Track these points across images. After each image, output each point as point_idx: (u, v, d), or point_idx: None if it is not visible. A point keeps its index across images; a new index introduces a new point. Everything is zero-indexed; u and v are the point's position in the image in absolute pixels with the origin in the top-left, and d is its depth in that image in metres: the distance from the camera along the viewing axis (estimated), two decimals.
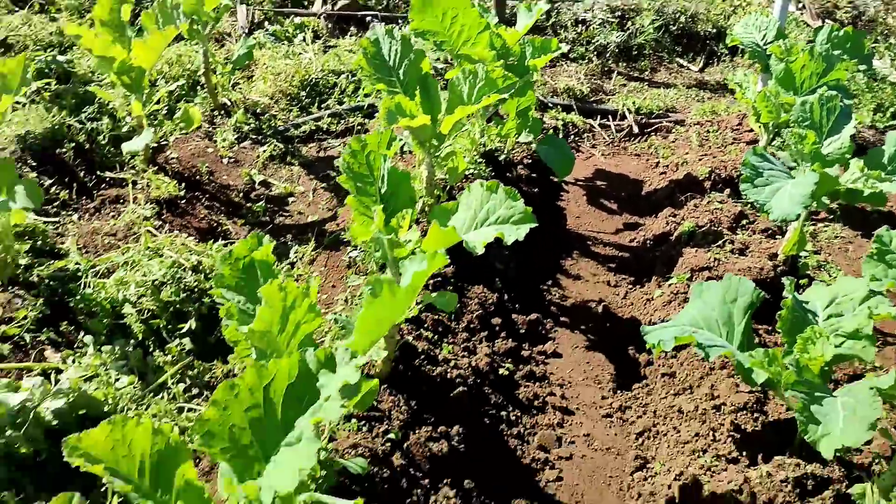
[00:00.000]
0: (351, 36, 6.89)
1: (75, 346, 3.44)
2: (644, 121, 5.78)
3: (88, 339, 3.46)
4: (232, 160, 5.05)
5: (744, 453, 3.04)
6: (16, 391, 3.00)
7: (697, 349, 2.88)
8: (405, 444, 2.90)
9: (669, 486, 3.01)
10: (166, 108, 5.17)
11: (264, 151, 5.12)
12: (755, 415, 3.18)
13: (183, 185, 4.58)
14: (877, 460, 2.95)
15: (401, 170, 2.89)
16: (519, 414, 3.41)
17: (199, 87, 5.57)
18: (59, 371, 3.23)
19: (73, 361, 3.28)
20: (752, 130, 5.19)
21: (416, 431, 2.97)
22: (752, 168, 3.49)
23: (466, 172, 4.34)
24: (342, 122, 5.57)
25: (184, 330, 3.54)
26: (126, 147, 4.33)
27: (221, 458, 1.90)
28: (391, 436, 2.87)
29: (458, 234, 2.49)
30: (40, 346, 3.38)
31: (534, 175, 4.96)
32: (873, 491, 2.69)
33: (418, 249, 2.71)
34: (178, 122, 4.63)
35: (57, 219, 4.16)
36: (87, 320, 3.54)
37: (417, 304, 3.11)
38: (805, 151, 3.63)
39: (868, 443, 3.10)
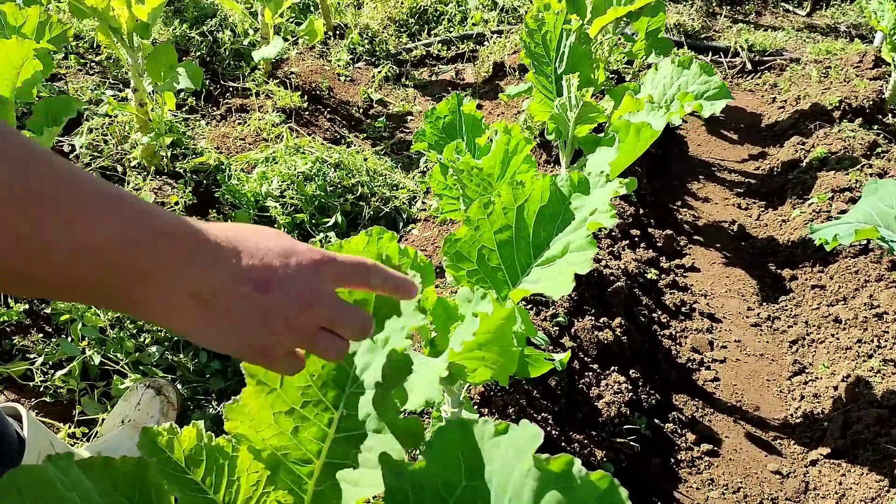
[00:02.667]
0: None
1: None
2: (757, 58, 5.66)
3: None
4: (348, 79, 5.04)
5: None
6: None
7: (881, 243, 2.80)
8: (572, 330, 2.88)
9: (835, 388, 2.96)
10: (289, 21, 5.16)
11: (379, 72, 5.10)
12: None
13: (305, 97, 4.57)
14: None
15: (582, 47, 2.84)
16: (668, 318, 3.37)
17: (312, 9, 5.55)
18: None
19: None
20: (875, 67, 5.06)
21: (580, 319, 2.94)
22: None
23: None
24: (452, 48, 5.53)
25: (328, 224, 3.53)
26: (258, 55, 4.33)
27: (467, 280, 1.88)
28: (559, 319, 2.85)
29: (684, 109, 2.43)
30: None
31: None
32: None
33: (606, 125, 2.66)
34: (302, 33, 4.62)
35: (188, 122, 4.18)
36: (231, 211, 3.56)
37: None
38: None
39: None
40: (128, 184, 3.43)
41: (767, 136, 4.86)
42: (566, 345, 2.77)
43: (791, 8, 6.70)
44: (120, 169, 3.52)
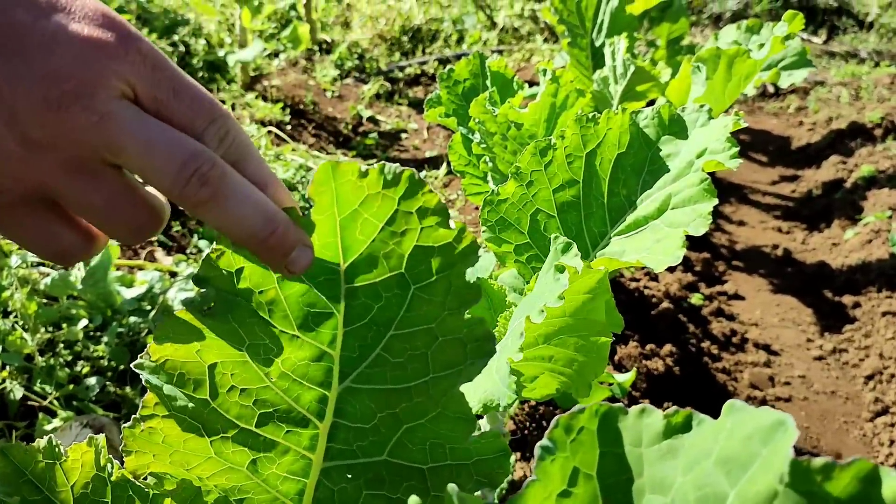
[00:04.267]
0: None
1: (187, 251, 2.93)
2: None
3: (203, 243, 2.95)
4: (335, 95, 4.56)
5: None
6: (130, 286, 2.49)
7: None
8: (615, 357, 2.34)
9: None
10: (271, 28, 4.71)
11: (370, 89, 4.63)
12: None
13: (287, 111, 4.08)
14: None
15: (628, 12, 2.37)
16: (718, 349, 2.83)
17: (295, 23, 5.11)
18: (172, 274, 2.71)
19: (188, 265, 2.77)
20: None
21: (623, 346, 2.41)
22: None
23: None
24: (448, 66, 5.09)
25: None
26: (234, 58, 3.85)
27: (514, 259, 1.34)
28: None
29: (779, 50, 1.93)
30: (150, 247, 2.88)
31: None
32: None
33: (660, 98, 2.17)
34: (286, 39, 4.16)
35: None
36: (198, 226, 3.03)
37: None
38: None
39: None
40: None
41: (800, 158, 4.42)
42: (613, 375, 2.22)
43: (806, 36, 6.39)
44: None
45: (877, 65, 5.59)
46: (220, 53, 4.36)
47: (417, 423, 0.70)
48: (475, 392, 0.88)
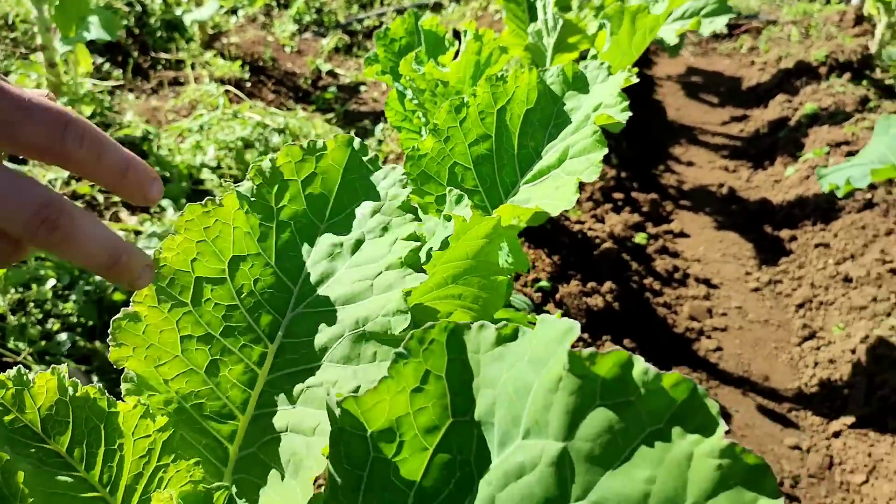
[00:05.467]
0: None
1: (151, 210, 3.03)
2: (731, 22, 5.38)
3: (167, 202, 3.04)
4: (294, 50, 4.62)
5: None
6: None
7: None
8: (557, 296, 2.49)
9: (853, 351, 2.62)
10: None
11: (328, 43, 4.68)
12: None
13: (246, 68, 4.14)
14: None
15: None
16: (661, 285, 3.00)
17: None
18: (137, 233, 2.82)
19: (152, 224, 2.88)
20: (857, 24, 4.80)
21: (565, 285, 2.56)
22: None
23: None
24: (384, 26, 5.14)
25: None
26: (190, 17, 3.90)
27: (436, 208, 1.48)
28: (542, 284, 2.46)
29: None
30: (114, 207, 2.97)
31: None
32: None
33: (591, 51, 2.28)
34: None
35: (113, 95, 3.73)
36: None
37: None
38: None
39: None
40: None
41: (749, 97, 4.56)
42: (551, 312, 2.38)
43: None
44: None
45: (828, 2, 5.69)
46: (178, 12, 4.39)
47: (353, 332, 0.83)
48: None
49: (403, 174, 0.90)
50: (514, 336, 0.64)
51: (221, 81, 3.93)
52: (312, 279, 0.85)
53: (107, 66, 3.94)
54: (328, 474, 0.66)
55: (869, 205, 3.20)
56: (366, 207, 0.88)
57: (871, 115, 3.87)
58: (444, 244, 0.99)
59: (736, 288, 3.09)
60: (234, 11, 4.69)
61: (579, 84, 1.45)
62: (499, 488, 0.58)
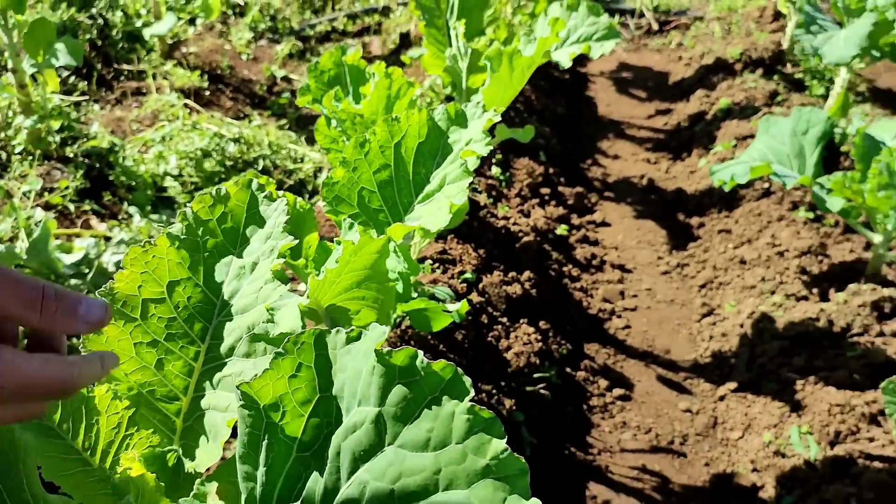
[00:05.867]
0: None
1: (119, 217, 3.33)
2: (662, 19, 5.75)
3: (133, 209, 3.35)
4: (250, 57, 4.91)
5: (813, 291, 3.04)
6: (69, 252, 2.90)
7: (775, 178, 2.85)
8: (480, 286, 2.85)
9: (741, 325, 3.00)
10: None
11: (282, 49, 4.98)
12: (819, 258, 3.18)
13: (205, 76, 4.43)
14: None
15: None
16: (579, 272, 3.37)
17: None
18: (107, 238, 3.12)
19: (121, 230, 3.18)
20: (774, 20, 5.18)
21: (489, 275, 2.92)
22: (807, 14, 3.46)
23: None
24: (357, 22, 5.45)
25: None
26: (149, 31, 4.18)
27: (347, 225, 1.82)
28: (467, 276, 2.81)
29: (558, 36, 2.39)
30: (85, 215, 3.27)
31: None
32: None
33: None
34: (198, 9, 4.47)
35: (79, 107, 4.01)
36: (128, 194, 3.42)
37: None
38: (853, 7, 3.60)
39: None
40: (12, 170, 3.27)
41: (675, 92, 4.93)
42: (474, 300, 2.74)
43: None
44: (4, 156, 3.34)
45: None
46: (138, 24, 4.66)
47: (248, 335, 1.18)
48: (283, 328, 1.38)
49: (286, 204, 1.23)
50: (357, 337, 0.99)
51: (181, 91, 4.22)
52: (227, 295, 1.19)
53: (72, 78, 4.21)
54: (239, 436, 1.00)
55: (766, 193, 3.58)
56: (260, 235, 1.22)
57: (778, 108, 4.25)
58: (335, 262, 1.34)
59: (648, 272, 3.47)
60: (192, 21, 4.96)
61: (460, 120, 1.80)
62: (344, 438, 0.93)
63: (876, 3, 3.57)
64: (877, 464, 2.30)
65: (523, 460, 0.84)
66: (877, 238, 2.90)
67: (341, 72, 2.40)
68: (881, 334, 2.76)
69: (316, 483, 0.95)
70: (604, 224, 3.80)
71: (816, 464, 2.37)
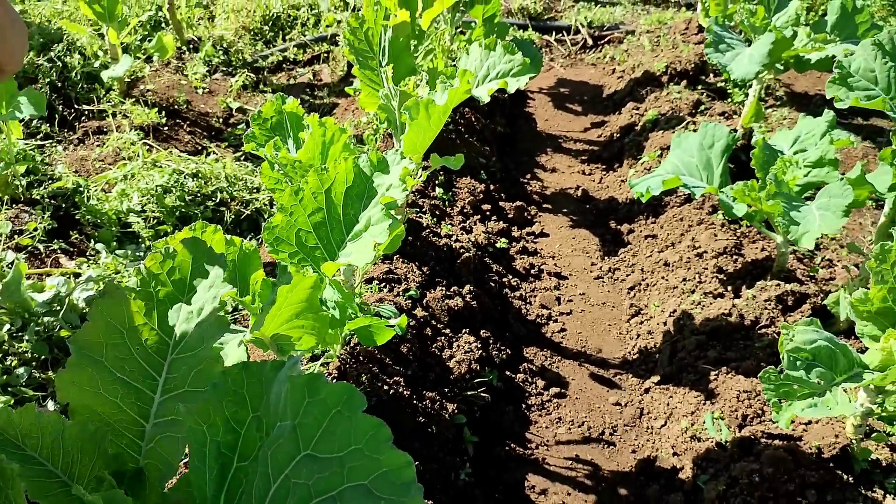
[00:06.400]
0: None
1: (87, 254, 3.54)
2: (596, 34, 6.06)
3: (100, 246, 3.56)
4: (206, 90, 5.14)
5: (728, 288, 3.35)
6: (41, 291, 3.11)
7: (684, 189, 3.15)
8: (424, 301, 3.12)
9: (664, 323, 3.30)
10: (138, 40, 5.22)
11: (237, 81, 5.22)
12: (734, 257, 3.49)
13: (163, 113, 4.65)
14: (848, 271, 3.28)
15: (400, 40, 3.07)
16: (518, 281, 3.66)
17: (164, 25, 5.62)
18: (76, 275, 3.34)
19: (89, 267, 3.40)
20: (699, 32, 5.51)
21: (433, 291, 3.19)
22: (716, 34, 3.78)
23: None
24: (307, 51, 5.70)
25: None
26: (107, 74, 4.40)
27: (290, 262, 2.08)
28: (412, 293, 3.08)
29: (469, 83, 2.69)
30: (54, 254, 3.48)
31: None
32: (845, 297, 3.01)
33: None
34: (153, 49, 4.70)
35: (43, 149, 4.22)
36: (94, 231, 3.64)
37: (425, 169, 3.32)
38: (757, 25, 3.94)
39: (837, 262, 3.45)
40: None
41: (608, 104, 5.24)
42: (418, 315, 3.01)
43: None
44: None
45: (679, 9, 6.42)
46: (96, 65, 4.87)
47: (196, 369, 1.43)
48: (231, 359, 1.64)
49: (224, 257, 1.49)
50: (281, 366, 1.25)
51: (141, 129, 4.45)
52: (178, 336, 1.44)
53: (35, 121, 4.42)
54: (190, 454, 1.26)
55: (688, 199, 3.90)
56: (205, 284, 1.48)
57: (702, 116, 4.58)
58: (275, 299, 1.60)
59: (582, 278, 3.77)
60: (149, 58, 5.18)
61: (382, 167, 2.07)
62: (271, 448, 1.19)
63: (775, 23, 3.90)
64: (776, 441, 2.60)
65: (409, 457, 1.11)
66: (779, 238, 3.22)
67: (282, 118, 2.66)
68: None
69: (252, 485, 1.21)
70: (542, 235, 4.09)
71: (727, 445, 2.66)
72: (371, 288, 3.06)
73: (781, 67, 3.95)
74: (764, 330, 3.07)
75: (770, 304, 3.11)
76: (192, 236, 1.53)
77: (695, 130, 4.39)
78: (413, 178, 3.11)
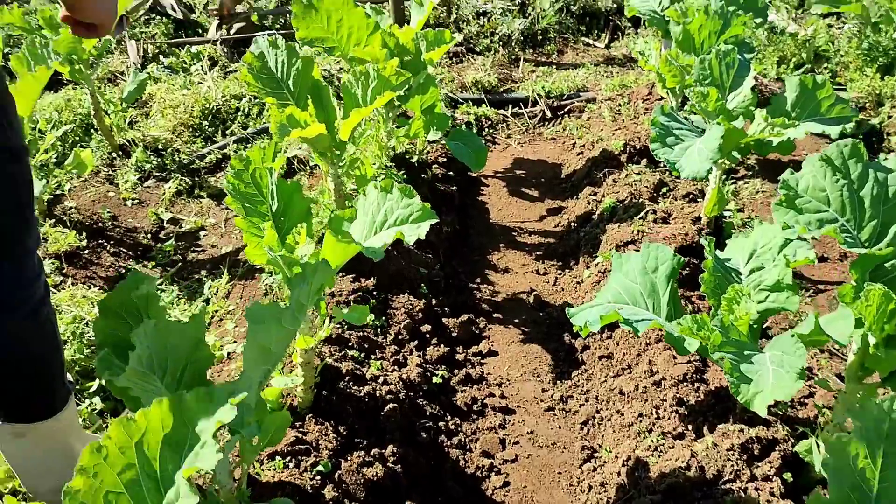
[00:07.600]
0: None
1: None
2: (556, 104, 5.70)
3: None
4: (136, 201, 4.81)
5: (689, 427, 2.94)
6: None
7: (625, 325, 2.76)
8: (336, 475, 2.72)
9: (618, 474, 2.90)
10: (57, 156, 4.91)
11: (170, 188, 4.89)
12: (696, 385, 3.09)
13: (84, 234, 4.32)
14: (821, 413, 2.87)
15: (289, 181, 2.72)
16: (458, 421, 3.26)
17: (93, 131, 5.31)
18: None
19: None
20: (662, 98, 5.14)
21: (348, 459, 2.80)
22: (662, 127, 3.41)
23: (378, 179, 4.18)
24: (248, 146, 5.37)
25: (92, 389, 3.30)
26: None
27: None
28: (320, 468, 2.69)
29: (354, 243, 2.33)
30: None
31: (450, 173, 4.84)
32: (818, 444, 2.60)
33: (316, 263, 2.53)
34: (69, 168, 4.39)
35: None
36: None
37: (332, 320, 2.94)
38: (710, 109, 3.56)
39: (811, 395, 3.04)
40: None
41: (566, 187, 4.86)
42: (327, 497, 2.62)
43: (591, 41, 6.81)
44: None
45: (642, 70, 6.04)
46: None
47: None
48: None
49: None
50: None
51: (57, 256, 4.11)
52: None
53: None
54: None
55: None
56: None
57: (663, 200, 4.19)
58: None
59: (531, 410, 3.36)
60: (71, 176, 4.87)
61: (207, 406, 1.69)
62: None
63: (728, 106, 3.52)
64: None
65: None
66: None
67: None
68: (752, 479, 2.66)
69: None
70: (491, 353, 3.70)
71: None
72: (275, 465, 2.68)
73: (737, 156, 3.56)
74: (728, 485, 2.65)
75: (733, 455, 2.70)
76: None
77: (657, 221, 4.01)
78: (313, 336, 2.74)
